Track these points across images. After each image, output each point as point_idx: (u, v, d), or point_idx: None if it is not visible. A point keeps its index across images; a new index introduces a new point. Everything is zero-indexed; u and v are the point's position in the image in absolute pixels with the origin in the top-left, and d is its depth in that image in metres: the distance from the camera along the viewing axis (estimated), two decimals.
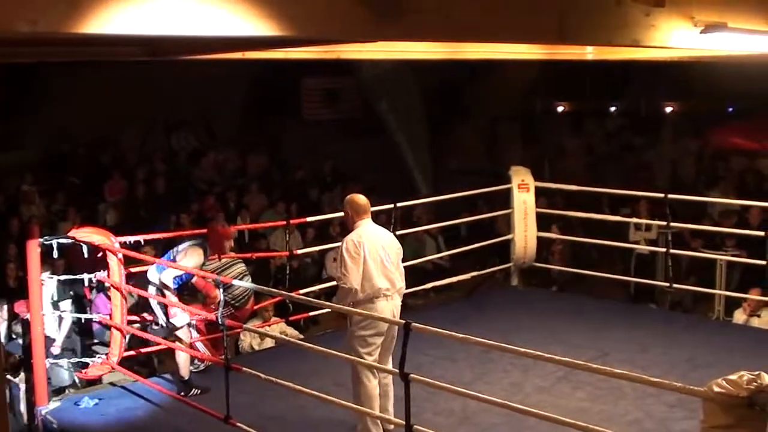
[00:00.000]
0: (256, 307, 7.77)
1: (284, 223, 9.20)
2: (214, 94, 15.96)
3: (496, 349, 5.55)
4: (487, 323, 8.17)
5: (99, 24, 3.24)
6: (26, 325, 6.96)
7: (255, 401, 6.33)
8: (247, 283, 6.69)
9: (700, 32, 4.84)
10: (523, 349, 4.85)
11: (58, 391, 7.36)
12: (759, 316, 8.72)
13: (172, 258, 6.70)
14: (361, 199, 5.87)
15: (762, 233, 8.27)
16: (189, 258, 6.58)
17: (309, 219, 9.48)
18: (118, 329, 6.90)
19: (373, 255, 5.66)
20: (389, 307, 5.71)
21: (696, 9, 4.82)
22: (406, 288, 6.03)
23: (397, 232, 6.52)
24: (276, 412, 6.28)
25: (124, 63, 9.16)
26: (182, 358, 6.71)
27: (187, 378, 6.72)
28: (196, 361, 7.07)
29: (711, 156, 16.27)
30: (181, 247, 6.75)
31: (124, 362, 7.05)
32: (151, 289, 6.71)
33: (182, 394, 6.65)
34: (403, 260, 6.00)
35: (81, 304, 8.23)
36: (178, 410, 6.43)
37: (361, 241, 5.67)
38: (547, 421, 4.69)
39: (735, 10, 4.93)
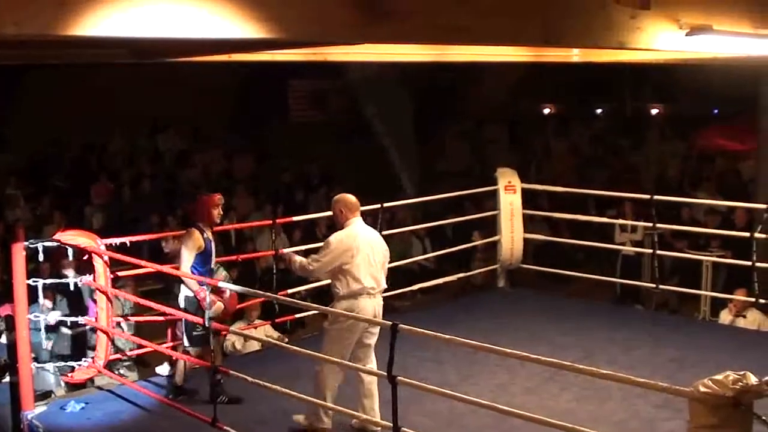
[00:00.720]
0: (240, 306, 7.72)
1: (270, 222, 9.07)
2: (200, 96, 15.91)
3: (482, 350, 5.57)
4: (473, 324, 8.17)
5: (85, 26, 3.24)
6: (11, 328, 6.89)
7: (242, 404, 6.31)
8: (231, 285, 6.64)
9: (686, 34, 4.87)
10: (509, 351, 4.86)
11: (43, 395, 7.30)
12: (745, 316, 8.74)
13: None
14: (351, 197, 5.93)
15: (747, 234, 8.32)
16: (186, 244, 6.39)
17: (295, 219, 9.44)
18: (104, 332, 6.87)
19: (363, 254, 5.73)
20: (371, 305, 5.78)
21: (681, 11, 4.85)
22: (393, 289, 6.06)
23: (383, 233, 6.51)
24: (263, 415, 6.26)
25: (111, 65, 9.13)
26: (181, 364, 6.67)
27: (180, 384, 6.67)
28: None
29: (697, 157, 16.35)
30: None
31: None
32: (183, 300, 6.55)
33: (170, 397, 6.61)
34: (389, 261, 6.03)
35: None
36: (165, 414, 6.40)
37: (356, 244, 5.71)
38: (534, 423, 4.69)
39: (720, 12, 4.96)
